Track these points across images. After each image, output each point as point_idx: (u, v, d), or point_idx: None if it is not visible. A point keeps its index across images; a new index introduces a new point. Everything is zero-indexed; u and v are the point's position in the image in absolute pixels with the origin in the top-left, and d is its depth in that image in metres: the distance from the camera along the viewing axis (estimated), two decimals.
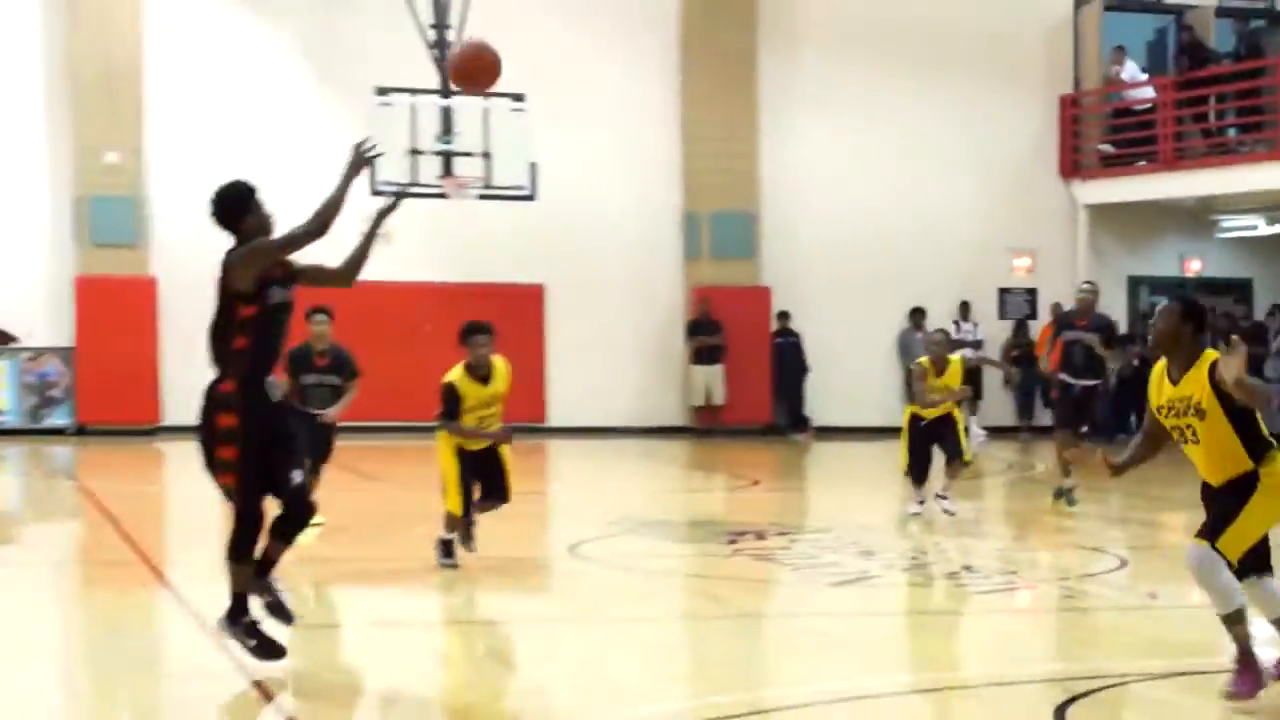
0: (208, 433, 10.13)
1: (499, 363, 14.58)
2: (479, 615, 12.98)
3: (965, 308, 33.47)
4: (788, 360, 32.59)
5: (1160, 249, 35.57)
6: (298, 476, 10.17)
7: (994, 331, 33.83)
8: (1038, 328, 33.70)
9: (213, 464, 10.11)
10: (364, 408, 27.76)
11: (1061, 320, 21.12)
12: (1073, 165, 34.54)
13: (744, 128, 32.80)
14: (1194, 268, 35.51)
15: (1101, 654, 12.20)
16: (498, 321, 30.26)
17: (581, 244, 31.91)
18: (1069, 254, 34.43)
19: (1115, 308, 34.50)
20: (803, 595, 14.44)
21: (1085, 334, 20.36)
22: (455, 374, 14.46)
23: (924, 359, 19.27)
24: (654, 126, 32.66)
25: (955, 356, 19.25)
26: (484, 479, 14.50)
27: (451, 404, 14.37)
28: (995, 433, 32.49)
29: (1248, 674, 9.40)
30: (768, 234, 32.93)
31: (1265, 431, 9.56)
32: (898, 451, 19.32)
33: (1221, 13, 35.36)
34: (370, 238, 10.71)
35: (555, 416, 32.04)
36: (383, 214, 10.73)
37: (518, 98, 27.21)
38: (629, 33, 32.68)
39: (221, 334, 10.43)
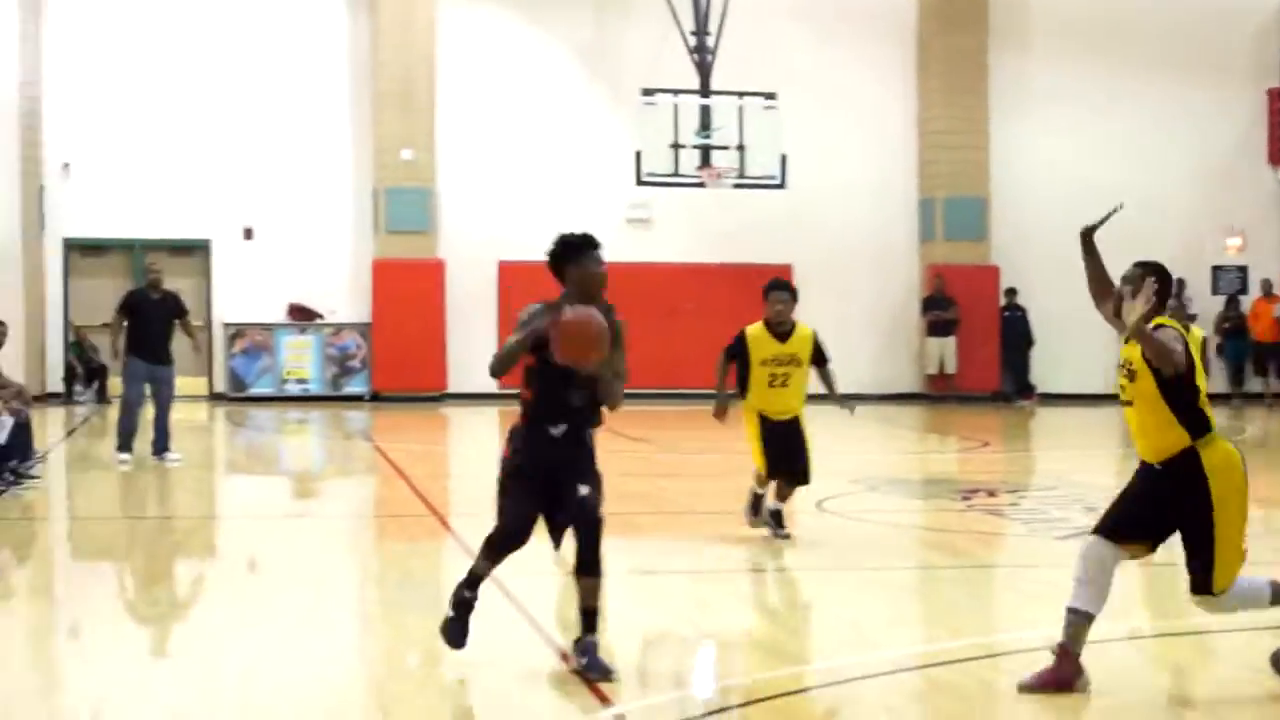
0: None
1: (803, 328, 13.61)
2: (734, 565, 12.78)
3: (1181, 284, 32.81)
4: (1014, 332, 32.28)
5: None
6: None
7: (1207, 306, 33.18)
8: (1248, 302, 33.10)
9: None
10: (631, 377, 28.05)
11: None
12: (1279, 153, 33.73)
13: (975, 121, 32.52)
14: None
15: None
16: (749, 299, 30.40)
17: (826, 228, 31.78)
18: (1277, 234, 33.63)
19: None
20: (1033, 548, 14.12)
21: None
22: (753, 326, 13.64)
23: None
24: (892, 121, 32.53)
25: (1196, 329, 18.25)
26: (785, 458, 13.45)
27: (734, 347, 13.63)
28: (1209, 400, 31.70)
29: None
30: (996, 217, 32.59)
31: (1208, 411, 8.49)
32: (1123, 416, 18.39)
33: None
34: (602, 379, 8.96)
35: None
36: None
37: (770, 96, 27.23)
38: (871, 36, 32.62)
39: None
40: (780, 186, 27.80)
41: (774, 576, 12.64)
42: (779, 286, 13.65)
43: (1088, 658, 8.36)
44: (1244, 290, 33.47)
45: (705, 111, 27.27)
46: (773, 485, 13.55)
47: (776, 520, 13.53)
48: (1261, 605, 8.55)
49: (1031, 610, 11.02)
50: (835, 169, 31.63)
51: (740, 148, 27.26)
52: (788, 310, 13.43)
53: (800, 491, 13.86)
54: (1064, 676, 8.32)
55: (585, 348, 8.52)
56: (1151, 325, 8.27)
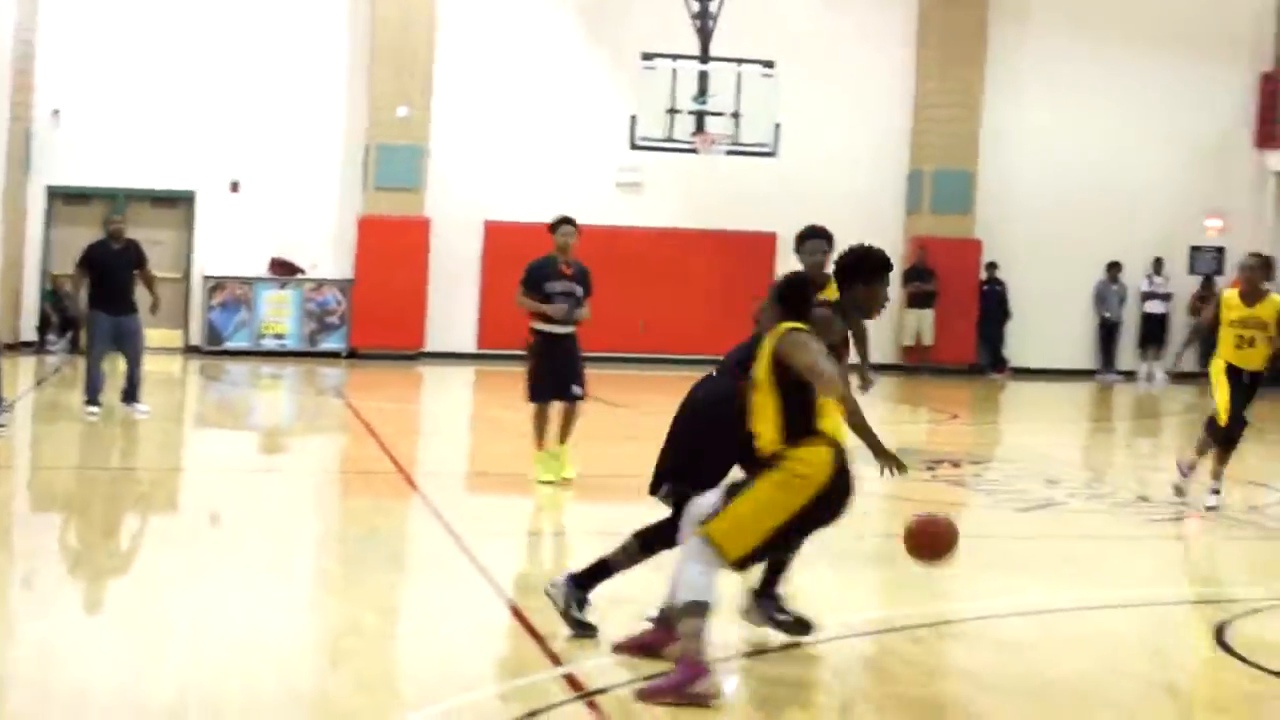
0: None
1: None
2: None
3: (1158, 263, 32.89)
4: (992, 306, 32.23)
5: None
6: None
7: (1182, 285, 33.21)
8: (1224, 284, 33.09)
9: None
10: (610, 340, 28.08)
11: None
12: (1268, 136, 33.64)
13: (970, 94, 32.36)
14: None
15: (1261, 578, 11.99)
16: (734, 265, 30.59)
17: (814, 197, 31.34)
18: (1258, 217, 33.61)
19: None
20: (992, 519, 14.18)
21: None
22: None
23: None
24: (888, 91, 32.32)
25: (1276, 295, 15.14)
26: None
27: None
28: (1177, 377, 31.96)
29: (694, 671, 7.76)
30: (983, 191, 32.49)
31: (815, 422, 8.13)
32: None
33: None
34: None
35: None
36: None
37: (768, 64, 27.12)
38: (872, 6, 32.33)
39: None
40: (772, 155, 27.71)
41: None
42: (815, 234, 11.75)
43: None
44: (1220, 271, 33.41)
45: (703, 78, 27.20)
46: None
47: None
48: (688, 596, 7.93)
49: (986, 581, 11.07)
50: (827, 139, 31.46)
51: (735, 115, 27.18)
52: (823, 261, 11.39)
53: None
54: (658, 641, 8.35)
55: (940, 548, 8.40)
56: None
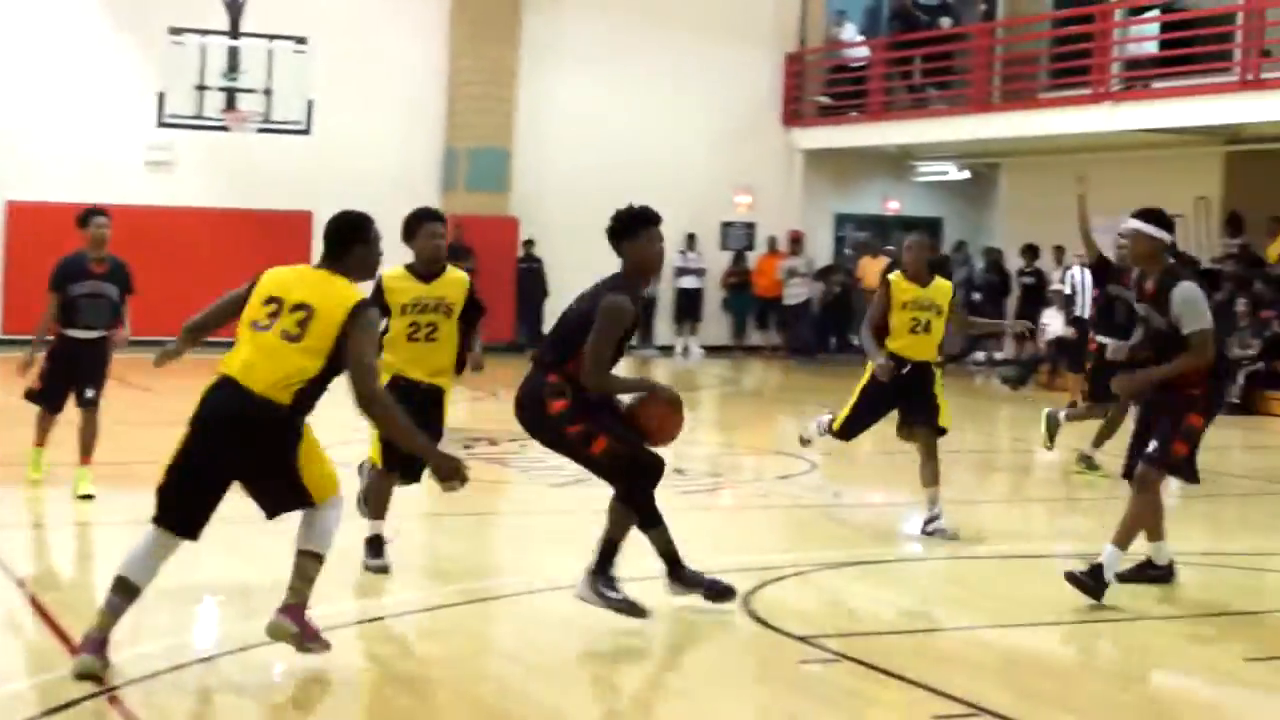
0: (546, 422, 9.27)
1: (458, 271, 10.87)
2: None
3: (691, 239, 33.52)
4: (530, 285, 32.33)
5: (865, 190, 35.78)
6: None
7: (715, 260, 33.99)
8: (754, 258, 33.97)
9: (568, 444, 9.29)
10: (148, 324, 27.27)
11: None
12: (793, 114, 34.63)
13: (504, 72, 32.37)
14: (892, 207, 35.79)
15: (788, 546, 12.33)
16: (270, 245, 30.02)
17: (350, 175, 31.08)
18: (786, 193, 34.58)
19: (822, 242, 34.88)
20: (529, 495, 14.22)
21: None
22: (393, 270, 10.53)
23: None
24: (423, 69, 32.10)
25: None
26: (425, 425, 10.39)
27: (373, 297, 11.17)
28: (712, 351, 32.87)
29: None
30: (519, 169, 32.57)
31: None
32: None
33: None
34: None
35: None
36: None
37: (300, 40, 26.70)
38: None
39: (574, 339, 9.18)
40: (306, 133, 27.32)
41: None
42: (431, 216, 10.68)
43: None
44: (750, 247, 34.29)
45: (234, 54, 26.64)
46: None
47: None
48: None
49: (525, 556, 11.06)
50: (362, 116, 31.10)
51: (268, 92, 26.72)
52: (444, 246, 10.62)
53: None
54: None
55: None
56: None
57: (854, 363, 34.43)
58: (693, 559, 9.51)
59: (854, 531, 13.38)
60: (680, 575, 9.45)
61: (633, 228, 9.29)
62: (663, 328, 33.69)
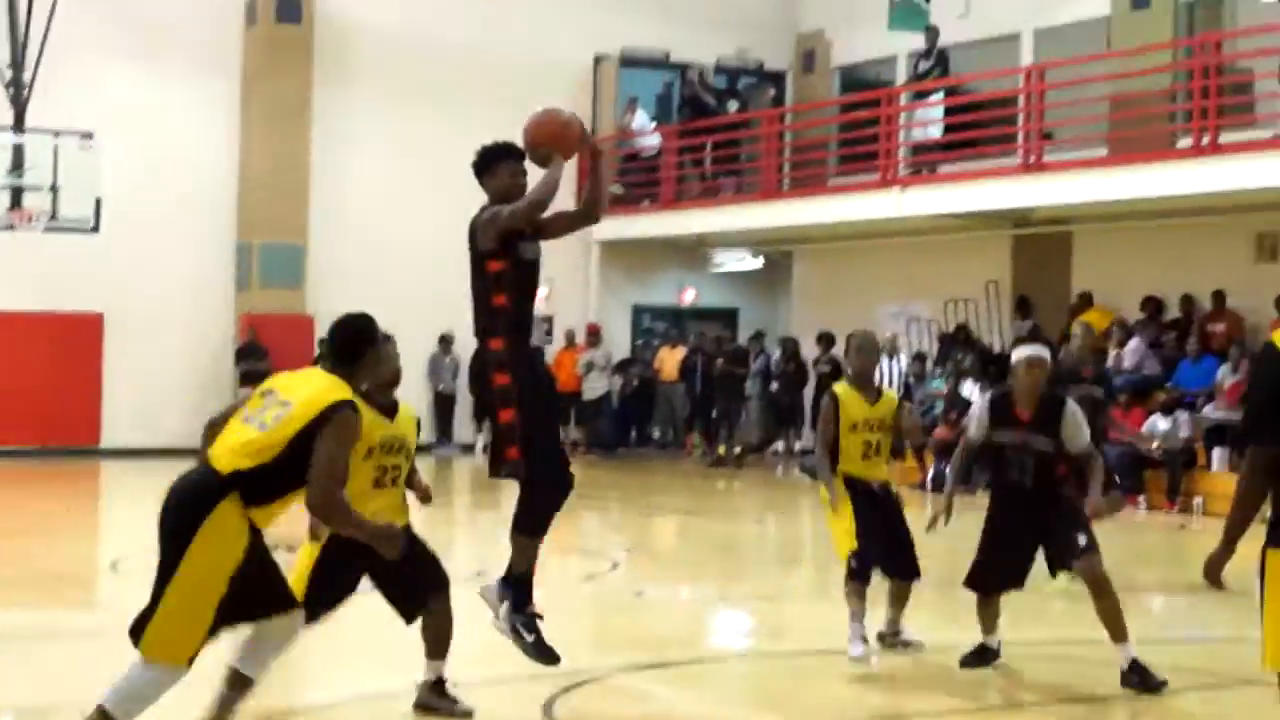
0: (488, 395, 8.87)
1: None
2: None
3: None
4: None
5: (661, 281, 35.58)
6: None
7: None
8: (552, 352, 33.38)
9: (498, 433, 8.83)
10: None
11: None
12: None
13: (297, 167, 31.91)
14: (688, 298, 35.64)
15: (590, 649, 12.14)
16: (58, 348, 29.36)
17: (141, 274, 30.64)
18: (583, 285, 34.42)
19: (620, 333, 34.69)
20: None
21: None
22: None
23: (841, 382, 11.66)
24: (215, 163, 31.54)
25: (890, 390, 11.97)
26: None
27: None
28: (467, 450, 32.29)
29: None
30: (314, 266, 32.02)
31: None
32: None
33: (719, 70, 35.61)
34: (596, 172, 9.75)
35: (109, 438, 30.76)
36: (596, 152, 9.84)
37: (87, 135, 26.12)
38: (196, 73, 31.44)
39: (481, 294, 9.02)
40: (95, 231, 26.70)
41: None
42: (384, 335, 8.86)
43: None
44: (549, 340, 33.94)
45: (18, 150, 26.05)
46: None
47: None
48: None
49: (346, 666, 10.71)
50: (152, 213, 30.46)
51: (54, 189, 26.12)
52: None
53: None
54: None
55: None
56: None
57: (653, 457, 34.48)
58: (490, 668, 9.29)
59: (656, 631, 13.22)
60: (505, 587, 9.16)
61: (490, 163, 9.54)
62: (463, 426, 32.88)
